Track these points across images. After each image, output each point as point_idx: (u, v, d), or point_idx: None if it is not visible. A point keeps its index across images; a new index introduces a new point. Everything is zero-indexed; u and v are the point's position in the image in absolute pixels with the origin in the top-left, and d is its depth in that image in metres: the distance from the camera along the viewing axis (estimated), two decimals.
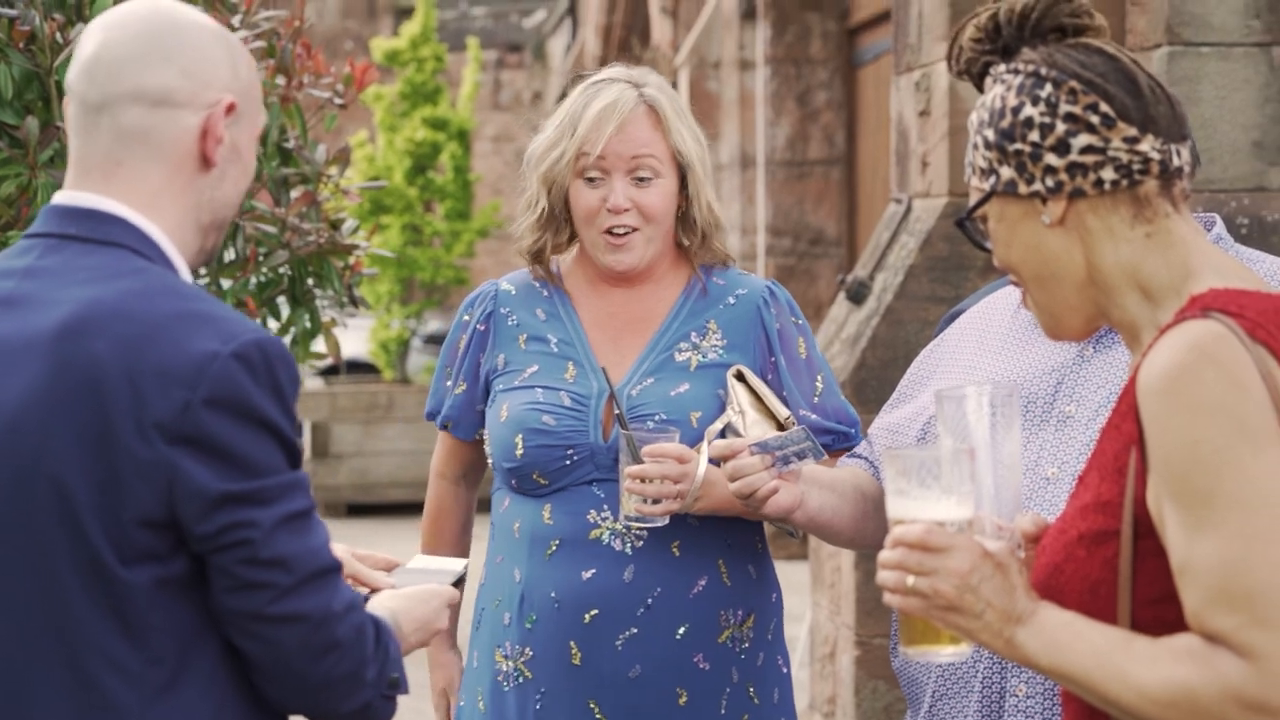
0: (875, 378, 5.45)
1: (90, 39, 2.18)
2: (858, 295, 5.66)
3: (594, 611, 3.17)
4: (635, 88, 3.22)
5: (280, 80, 4.45)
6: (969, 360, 2.97)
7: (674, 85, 13.41)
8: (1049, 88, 2.08)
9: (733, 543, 3.24)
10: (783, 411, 3.16)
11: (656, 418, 3.14)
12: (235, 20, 4.40)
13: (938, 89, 5.56)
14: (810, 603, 6.29)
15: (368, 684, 2.18)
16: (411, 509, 13.10)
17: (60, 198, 2.18)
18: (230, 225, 4.25)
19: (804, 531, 3.27)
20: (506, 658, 3.23)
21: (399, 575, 2.59)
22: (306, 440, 13.44)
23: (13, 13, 3.88)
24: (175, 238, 2.18)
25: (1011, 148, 2.08)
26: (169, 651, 2.10)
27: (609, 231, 3.22)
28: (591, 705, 3.18)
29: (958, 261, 5.50)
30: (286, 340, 4.67)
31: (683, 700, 3.18)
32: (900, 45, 5.96)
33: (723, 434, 3.15)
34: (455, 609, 2.81)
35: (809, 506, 2.93)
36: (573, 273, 3.35)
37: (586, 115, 3.20)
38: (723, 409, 3.20)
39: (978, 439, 2.20)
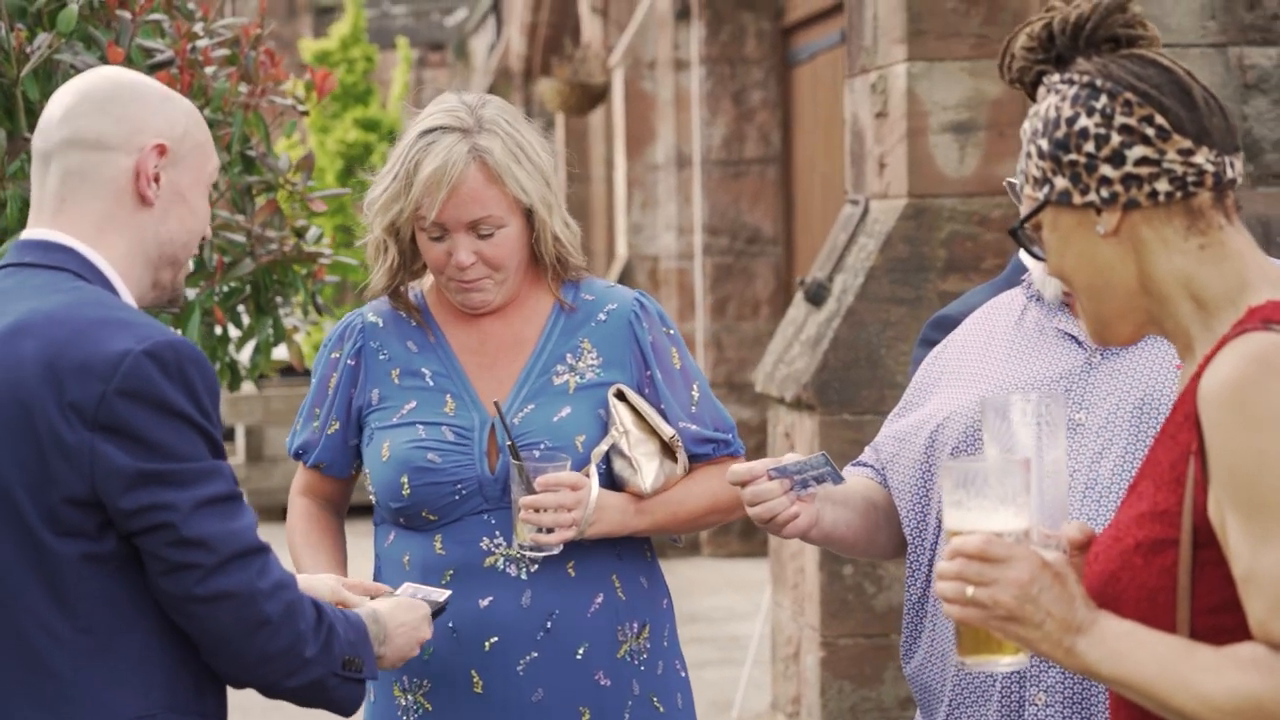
0: (838, 379, 5.46)
1: (49, 104, 2.52)
2: (817, 297, 5.67)
3: (494, 639, 3.14)
4: (466, 138, 3.13)
5: (243, 88, 4.42)
6: (974, 367, 2.96)
7: (608, 85, 13.42)
8: (1104, 99, 2.08)
9: (623, 555, 3.23)
10: (667, 430, 3.17)
11: (542, 445, 3.11)
12: (197, 28, 4.37)
13: (895, 91, 5.57)
14: (771, 603, 6.30)
15: (310, 661, 2.43)
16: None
17: (23, 234, 2.51)
18: None
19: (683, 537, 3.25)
20: (405, 691, 3.19)
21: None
22: (240, 444, 13.35)
23: None
24: (121, 268, 2.47)
25: (1066, 158, 2.09)
26: (99, 622, 2.34)
27: (458, 279, 3.17)
28: None
29: (918, 263, 5.52)
30: (249, 348, 4.64)
31: (586, 718, 3.17)
32: (854, 47, 5.97)
33: (608, 455, 3.16)
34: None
35: (824, 524, 2.92)
36: (435, 302, 3.29)
37: (419, 178, 3.12)
38: (605, 430, 3.18)
39: (1024, 447, 2.20)
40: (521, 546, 3.08)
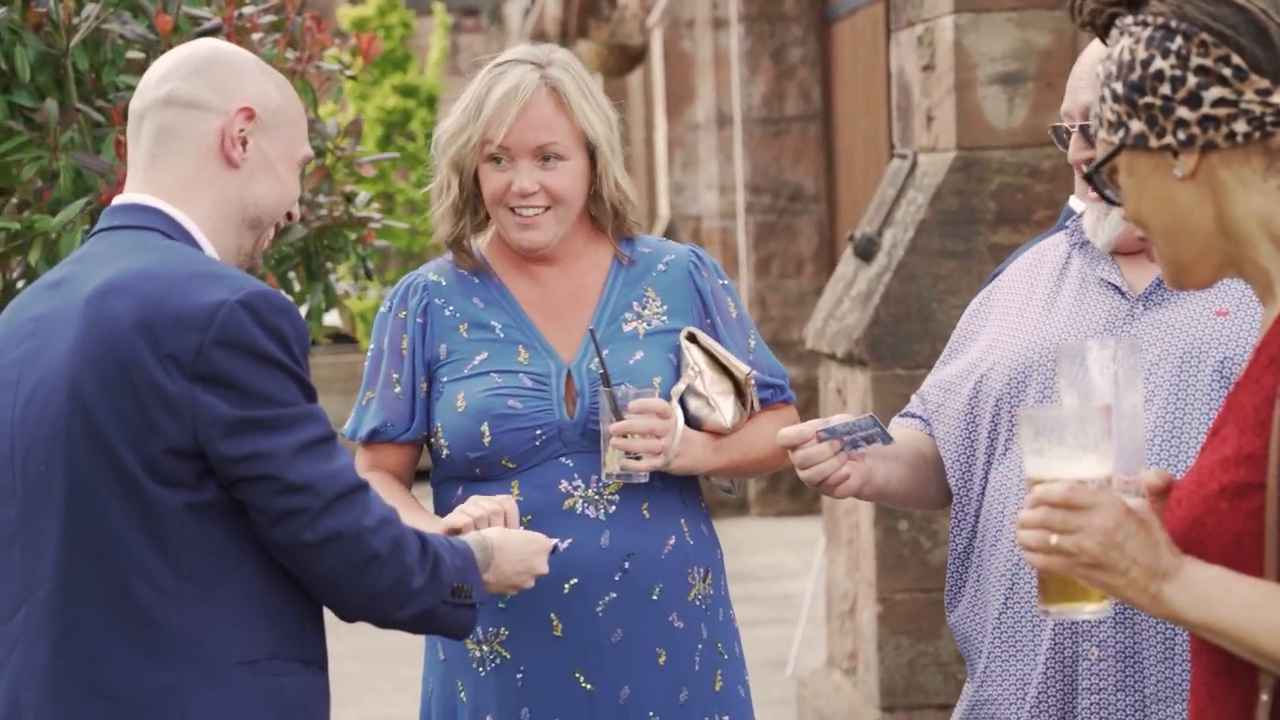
0: (890, 334, 5.45)
1: (149, 70, 2.61)
2: (866, 252, 5.65)
3: (573, 580, 3.17)
4: (538, 69, 3.20)
5: (290, 54, 4.42)
6: (1017, 316, 2.96)
7: (646, 46, 13.38)
8: (1179, 40, 2.06)
9: (686, 501, 3.28)
10: (742, 369, 3.22)
11: (623, 386, 3.14)
12: None
13: (942, 44, 5.54)
14: (826, 559, 6.30)
15: (419, 591, 2.49)
16: None
17: (115, 199, 2.57)
18: None
19: (739, 484, 3.28)
20: (479, 643, 3.21)
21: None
22: None
23: None
24: (207, 227, 2.53)
25: (1142, 101, 2.07)
26: (201, 570, 2.40)
27: (516, 211, 3.20)
28: (577, 675, 3.19)
29: (968, 215, 5.50)
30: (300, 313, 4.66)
31: (662, 660, 3.21)
32: (900, 1, 5.94)
33: (684, 396, 3.20)
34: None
35: (876, 481, 2.93)
36: (496, 257, 3.32)
37: (489, 100, 3.19)
38: (679, 373, 3.23)
39: (1102, 394, 2.20)
40: (609, 474, 3.12)
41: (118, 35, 3.89)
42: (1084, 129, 2.89)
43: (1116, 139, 2.10)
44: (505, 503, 3.03)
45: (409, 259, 14.28)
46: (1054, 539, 1.99)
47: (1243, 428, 2.03)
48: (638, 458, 3.10)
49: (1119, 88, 2.09)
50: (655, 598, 3.20)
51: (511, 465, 3.18)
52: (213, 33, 4.13)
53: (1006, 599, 2.87)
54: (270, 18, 4.43)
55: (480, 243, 3.33)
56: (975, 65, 5.43)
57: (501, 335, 3.24)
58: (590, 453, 3.18)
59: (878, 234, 5.67)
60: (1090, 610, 2.07)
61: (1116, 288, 2.90)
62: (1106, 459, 2.04)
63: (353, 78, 4.60)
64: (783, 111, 11.26)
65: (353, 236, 4.57)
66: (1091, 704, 2.77)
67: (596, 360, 3.16)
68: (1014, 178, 5.46)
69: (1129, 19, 2.11)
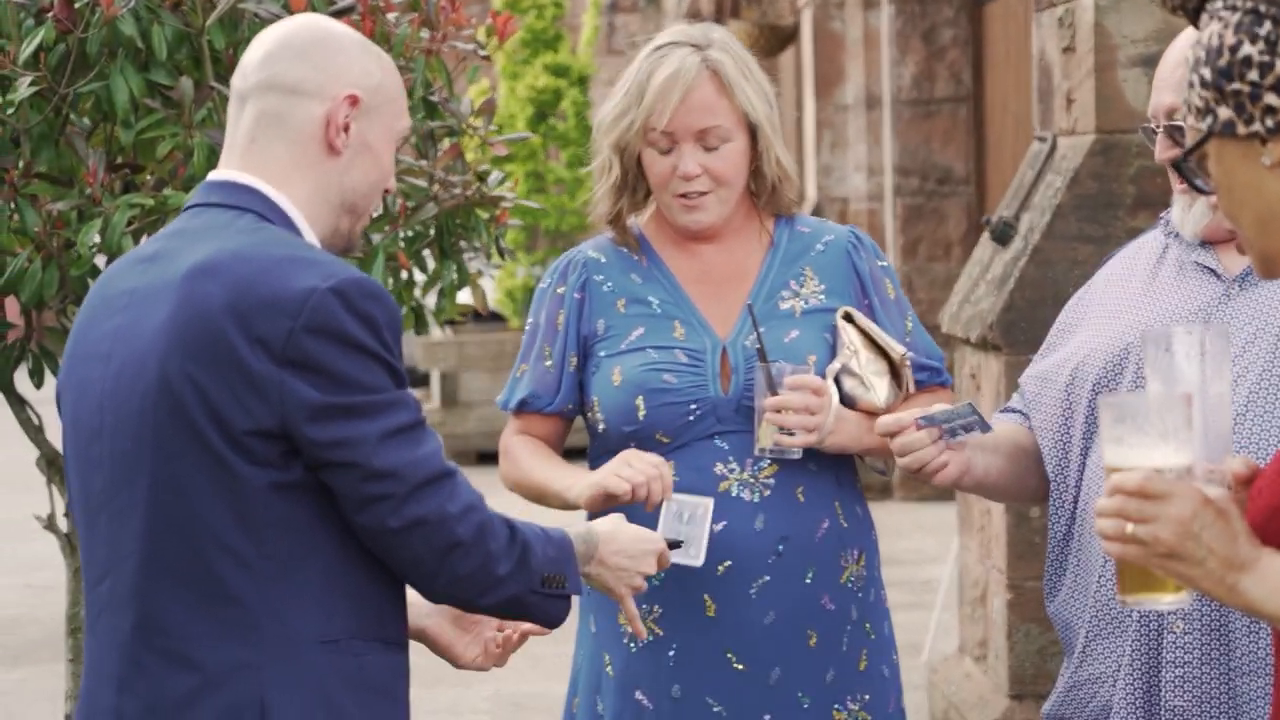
0: (1024, 319, 5.39)
1: (250, 47, 2.59)
2: (1003, 236, 5.59)
3: (727, 563, 3.20)
4: (698, 51, 3.23)
5: (425, 34, 4.46)
6: (1114, 306, 2.98)
7: (797, 26, 13.32)
8: (1268, 25, 2.02)
9: (842, 483, 3.30)
10: (897, 349, 3.24)
11: (778, 362, 3.17)
12: None
13: (1082, 25, 5.47)
14: (959, 546, 6.26)
15: (504, 579, 2.48)
16: None
17: (210, 175, 2.58)
18: None
19: (892, 465, 3.29)
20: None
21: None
22: (436, 390, 13.51)
23: None
24: (306, 211, 2.53)
25: (1230, 87, 2.03)
26: (283, 548, 2.40)
27: (682, 195, 3.24)
28: (729, 655, 3.22)
29: (1106, 200, 5.42)
30: (434, 293, 4.70)
31: (813, 642, 3.23)
32: None
33: (839, 375, 3.22)
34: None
35: (975, 472, 2.96)
36: (655, 234, 3.37)
37: (651, 85, 3.23)
38: (834, 352, 3.24)
39: (1187, 380, 2.17)
40: (763, 450, 3.15)
41: (254, 14, 3.94)
42: (1169, 129, 2.88)
43: (1205, 126, 2.07)
44: (661, 466, 3.10)
45: (557, 238, 14.33)
46: (1130, 528, 1.98)
47: None
48: (791, 434, 3.12)
49: (1207, 74, 2.06)
50: (808, 581, 3.23)
51: (666, 440, 3.22)
52: (347, 11, 4.17)
53: (1100, 578, 2.88)
54: None
55: (640, 220, 3.38)
56: (1116, 47, 5.35)
57: (658, 311, 3.28)
58: (744, 432, 3.21)
59: (1015, 218, 5.61)
60: (1169, 600, 2.05)
61: (1212, 270, 2.91)
62: (1186, 447, 2.02)
63: (486, 57, 4.63)
64: (932, 93, 11.16)
65: (485, 216, 4.60)
66: (1176, 677, 2.76)
67: (753, 337, 3.19)
68: (1153, 162, 5.36)
69: (1219, 3, 2.08)
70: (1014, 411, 3.12)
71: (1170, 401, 2.03)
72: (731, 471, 3.21)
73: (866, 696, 3.29)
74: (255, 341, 2.38)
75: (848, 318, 3.24)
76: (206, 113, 3.91)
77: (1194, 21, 2.13)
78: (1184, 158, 2.13)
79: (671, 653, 3.23)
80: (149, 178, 3.99)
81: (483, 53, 4.61)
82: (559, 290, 3.34)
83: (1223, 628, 2.76)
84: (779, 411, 3.11)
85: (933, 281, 11.17)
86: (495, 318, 14.60)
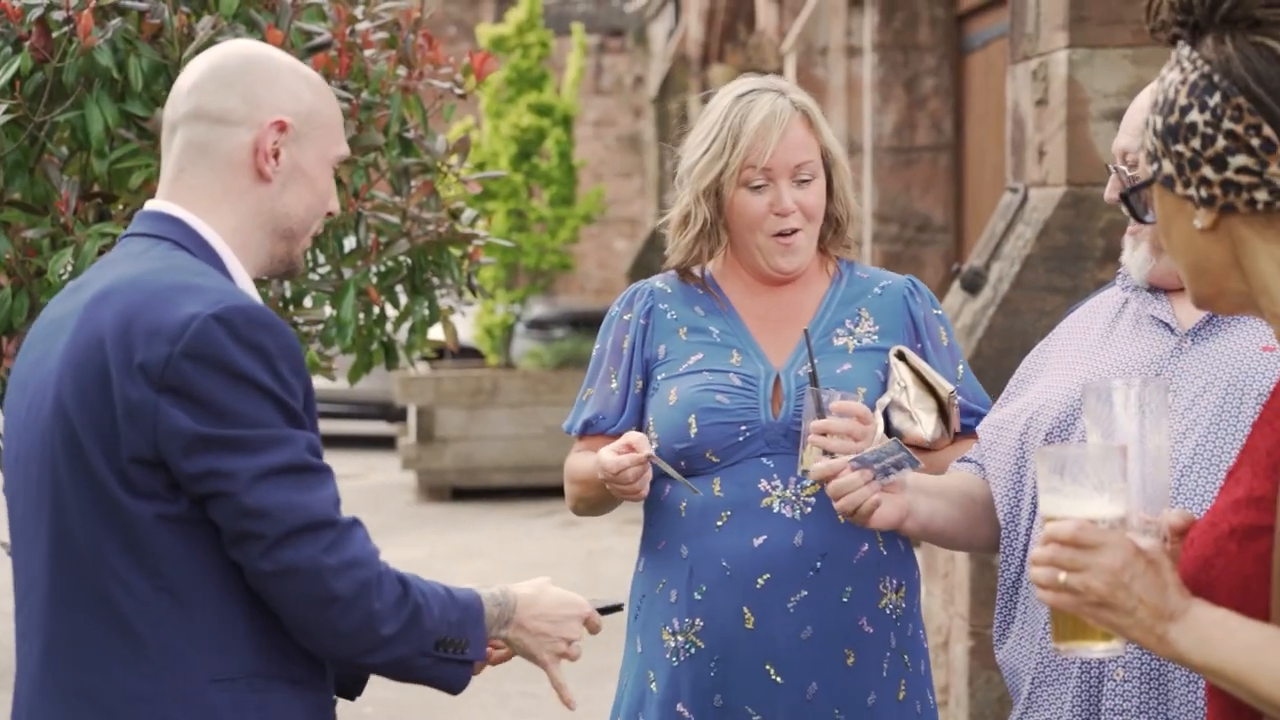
0: (992, 368, 5.42)
1: (181, 74, 2.56)
2: (973, 285, 5.64)
3: (766, 576, 3.29)
4: (784, 95, 3.38)
5: (401, 71, 4.49)
6: (1072, 357, 3.03)
7: (780, 72, 13.37)
8: (1217, 98, 2.03)
9: None
10: (946, 386, 3.32)
11: (829, 390, 3.24)
12: (358, 11, 4.44)
13: (1055, 78, 5.52)
14: (923, 592, 6.28)
15: (390, 639, 2.38)
16: (515, 493, 13.16)
17: (146, 205, 2.55)
18: (353, 215, 4.30)
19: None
20: (674, 633, 3.36)
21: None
22: (412, 425, 13.52)
23: (143, 6, 3.93)
24: (234, 240, 2.49)
25: (1174, 147, 2.06)
26: (178, 582, 2.34)
27: (778, 235, 3.37)
28: (767, 667, 3.30)
29: (1075, 252, 5.46)
30: (405, 328, 4.72)
31: (850, 661, 3.31)
32: (1017, 34, 5.92)
33: (887, 412, 3.30)
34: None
35: (919, 516, 2.98)
36: (721, 275, 3.49)
37: (747, 128, 3.35)
38: (883, 388, 3.34)
39: (1126, 433, 2.20)
40: (805, 471, 3.20)
41: None
42: (1120, 171, 2.94)
43: (1151, 171, 2.11)
44: (638, 445, 3.23)
45: (537, 276, 14.36)
46: (1062, 577, 2.00)
47: (1255, 470, 2.03)
48: (833, 457, 3.16)
49: (1158, 123, 2.09)
50: (846, 600, 3.31)
51: (715, 460, 3.33)
52: (323, 48, 4.21)
53: (1046, 626, 2.91)
54: (382, 35, 4.50)
55: (709, 267, 3.51)
56: (1088, 100, 5.41)
57: (718, 340, 3.41)
58: (790, 454, 3.31)
59: (985, 267, 5.65)
60: (1101, 649, 2.07)
61: (1166, 324, 2.95)
62: (1120, 498, 2.05)
63: (463, 95, 4.67)
64: (913, 141, 11.22)
65: (457, 253, 4.62)
66: None
67: (807, 366, 3.28)
68: (1123, 215, 5.42)
69: (1186, 50, 2.09)
70: (970, 462, 3.17)
71: (1106, 453, 2.06)
72: (775, 489, 3.31)
73: None
74: (136, 367, 2.32)
75: (900, 356, 3.32)
76: None
77: (1171, 44, 2.13)
78: (1131, 191, 2.18)
79: (713, 664, 3.32)
80: (122, 207, 4.01)
81: (459, 91, 4.64)
82: (625, 317, 3.48)
83: (1161, 676, 2.79)
84: (824, 435, 3.16)
85: None
86: (473, 354, 14.62)
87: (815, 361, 3.24)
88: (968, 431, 3.40)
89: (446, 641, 2.45)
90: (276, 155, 2.49)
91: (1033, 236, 5.49)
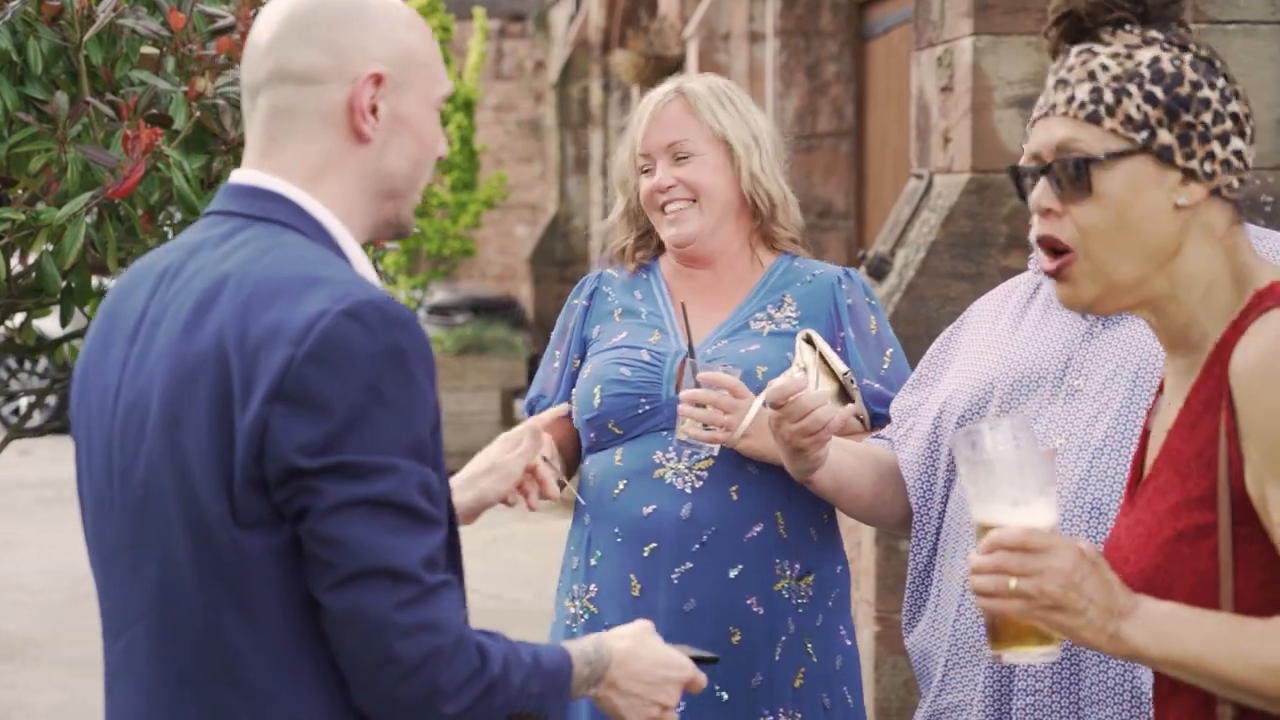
0: None
1: (255, 28, 2.26)
2: (878, 271, 5.66)
3: (653, 545, 3.34)
4: (677, 84, 3.52)
5: None
6: (982, 344, 3.05)
7: (683, 57, 13.37)
8: (1223, 81, 2.06)
9: (793, 496, 3.37)
10: (841, 368, 3.31)
11: (725, 366, 3.30)
12: None
13: (960, 65, 5.54)
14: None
15: (450, 717, 2.05)
16: None
17: (233, 176, 2.24)
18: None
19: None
20: (574, 599, 3.43)
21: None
22: None
23: None
24: (339, 208, 2.18)
25: (1184, 117, 2.05)
26: (285, 626, 2.07)
27: (664, 209, 3.48)
28: None
29: (980, 239, 5.50)
30: None
31: (736, 639, 3.33)
32: (921, 21, 5.94)
33: None
34: None
35: (830, 462, 3.05)
36: (664, 263, 3.61)
37: (636, 119, 3.54)
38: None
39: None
40: (679, 440, 3.27)
41: (131, 30, 3.92)
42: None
43: (1139, 139, 2.06)
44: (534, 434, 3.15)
45: (439, 261, 14.30)
46: (1013, 583, 1.99)
47: (1185, 474, 2.04)
48: (708, 429, 3.22)
49: (1158, 92, 2.05)
50: (733, 576, 3.33)
51: (619, 431, 3.40)
52: (227, 31, 4.15)
53: (959, 608, 2.92)
54: None
55: (661, 261, 3.62)
56: (993, 88, 5.44)
57: (644, 320, 3.50)
58: None
59: (890, 253, 5.67)
60: (1042, 653, 2.07)
61: None
62: (1054, 503, 2.05)
63: None
64: (815, 127, 11.26)
65: None
66: (1027, 704, 2.82)
67: (710, 349, 3.37)
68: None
69: (1152, 31, 2.08)
70: (885, 440, 3.20)
71: (1037, 459, 2.05)
72: (669, 460, 3.35)
73: (798, 715, 3.37)
74: (257, 378, 2.02)
75: (808, 339, 3.32)
76: (82, 128, 3.87)
77: (1093, 27, 2.11)
78: (1107, 156, 2.07)
79: (605, 629, 3.31)
80: (21, 192, 3.94)
81: None
82: (574, 302, 3.61)
83: (1073, 658, 2.81)
84: (696, 406, 3.21)
85: None
86: None
87: (691, 334, 3.32)
88: (882, 422, 3.41)
89: (520, 715, 2.12)
90: (375, 111, 2.19)
91: (938, 223, 5.51)
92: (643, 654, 2.30)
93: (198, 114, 3.82)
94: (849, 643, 3.47)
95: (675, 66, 13.54)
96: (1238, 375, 1.99)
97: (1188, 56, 2.06)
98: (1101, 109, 2.07)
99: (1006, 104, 5.46)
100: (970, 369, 3.03)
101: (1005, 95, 5.47)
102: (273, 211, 2.16)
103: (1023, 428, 2.14)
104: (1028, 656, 2.07)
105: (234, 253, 2.14)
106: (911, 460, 3.06)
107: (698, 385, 3.22)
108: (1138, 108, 2.05)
